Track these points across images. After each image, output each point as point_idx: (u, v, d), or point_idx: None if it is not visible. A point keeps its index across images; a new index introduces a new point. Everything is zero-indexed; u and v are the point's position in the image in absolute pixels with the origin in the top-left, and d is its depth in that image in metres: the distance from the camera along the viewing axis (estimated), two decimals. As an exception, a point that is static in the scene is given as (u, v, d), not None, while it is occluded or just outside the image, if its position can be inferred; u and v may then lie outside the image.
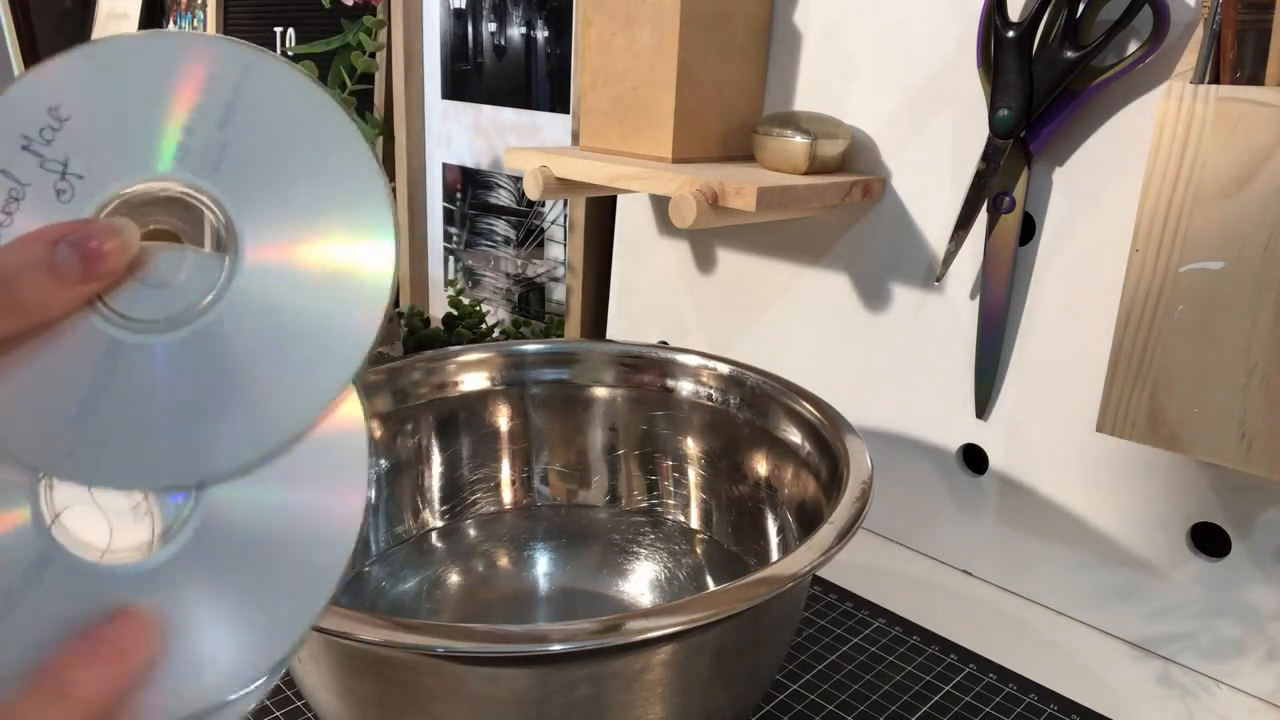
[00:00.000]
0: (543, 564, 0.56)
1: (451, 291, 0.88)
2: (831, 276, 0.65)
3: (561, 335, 0.85)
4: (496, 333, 0.88)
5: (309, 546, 0.26)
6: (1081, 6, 0.50)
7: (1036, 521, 0.57)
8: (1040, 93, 0.51)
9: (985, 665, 0.51)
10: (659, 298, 0.76)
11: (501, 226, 0.92)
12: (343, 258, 0.26)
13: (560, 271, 0.87)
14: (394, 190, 0.99)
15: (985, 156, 0.53)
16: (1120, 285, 0.45)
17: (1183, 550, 0.51)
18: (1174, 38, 0.48)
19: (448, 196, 0.96)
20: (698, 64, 0.60)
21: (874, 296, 0.63)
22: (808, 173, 0.59)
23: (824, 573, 0.59)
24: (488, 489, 0.58)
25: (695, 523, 0.56)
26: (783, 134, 0.59)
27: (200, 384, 0.25)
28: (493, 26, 0.87)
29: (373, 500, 0.54)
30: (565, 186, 0.63)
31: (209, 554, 0.25)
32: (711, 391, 0.55)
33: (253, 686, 0.25)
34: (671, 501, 0.57)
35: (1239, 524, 0.49)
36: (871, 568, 0.61)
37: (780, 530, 0.51)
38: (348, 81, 0.71)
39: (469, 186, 0.94)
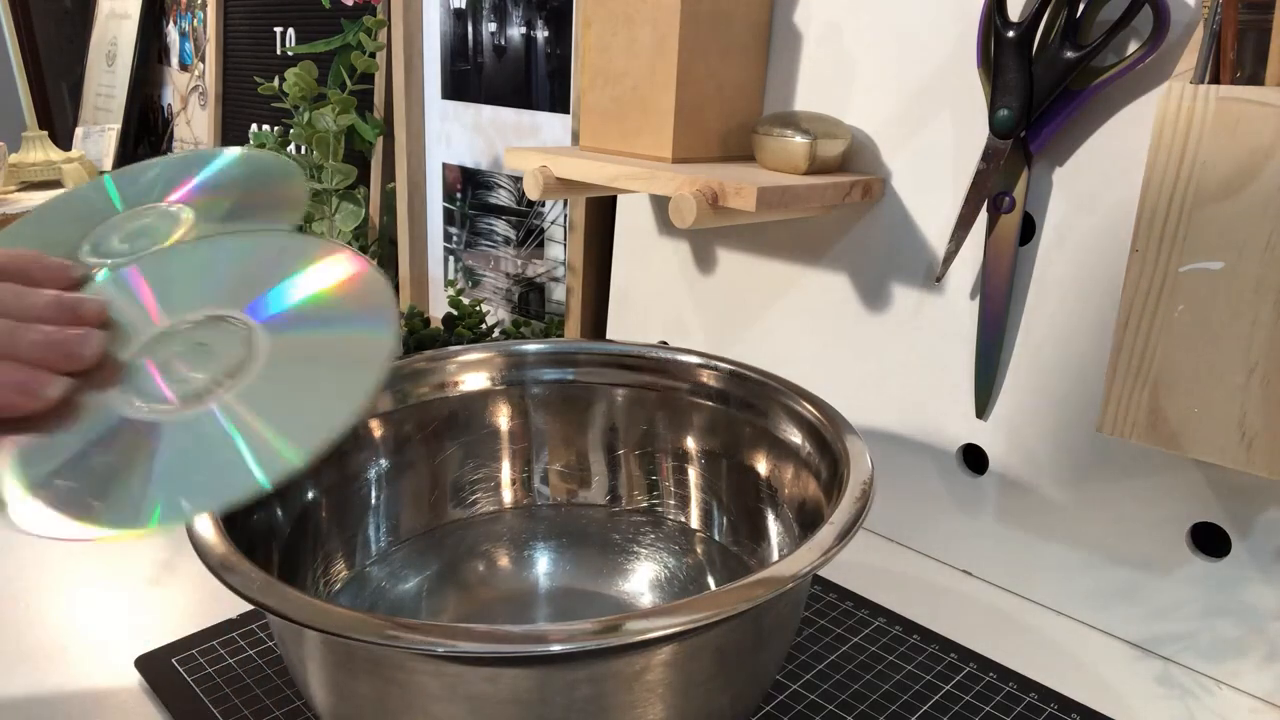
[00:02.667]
0: (543, 564, 0.56)
1: (451, 291, 0.88)
2: (831, 276, 0.65)
3: (561, 335, 0.85)
4: (496, 333, 0.88)
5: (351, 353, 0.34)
6: (1081, 6, 0.50)
7: (1036, 521, 0.57)
8: (1040, 93, 0.51)
9: (985, 664, 0.51)
10: (659, 298, 0.76)
11: (501, 226, 0.92)
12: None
13: (560, 271, 0.87)
14: (394, 190, 0.99)
15: (985, 156, 0.53)
16: (1120, 285, 0.45)
17: (1183, 550, 0.51)
18: (1174, 38, 0.48)
19: (448, 196, 0.96)
20: (698, 64, 0.60)
21: (874, 296, 0.63)
22: (808, 173, 0.59)
23: (824, 572, 0.59)
24: (488, 489, 0.58)
25: (695, 523, 0.56)
26: (783, 134, 0.59)
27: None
28: (493, 26, 0.87)
29: (382, 472, 0.54)
30: (565, 186, 0.63)
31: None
32: (711, 391, 0.55)
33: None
34: (671, 501, 0.57)
35: (1239, 524, 0.49)
36: (871, 568, 0.61)
37: (780, 530, 0.51)
38: (348, 81, 0.71)
39: (469, 186, 0.94)
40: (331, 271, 0.36)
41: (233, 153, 0.43)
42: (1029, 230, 0.55)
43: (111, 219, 0.39)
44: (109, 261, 0.37)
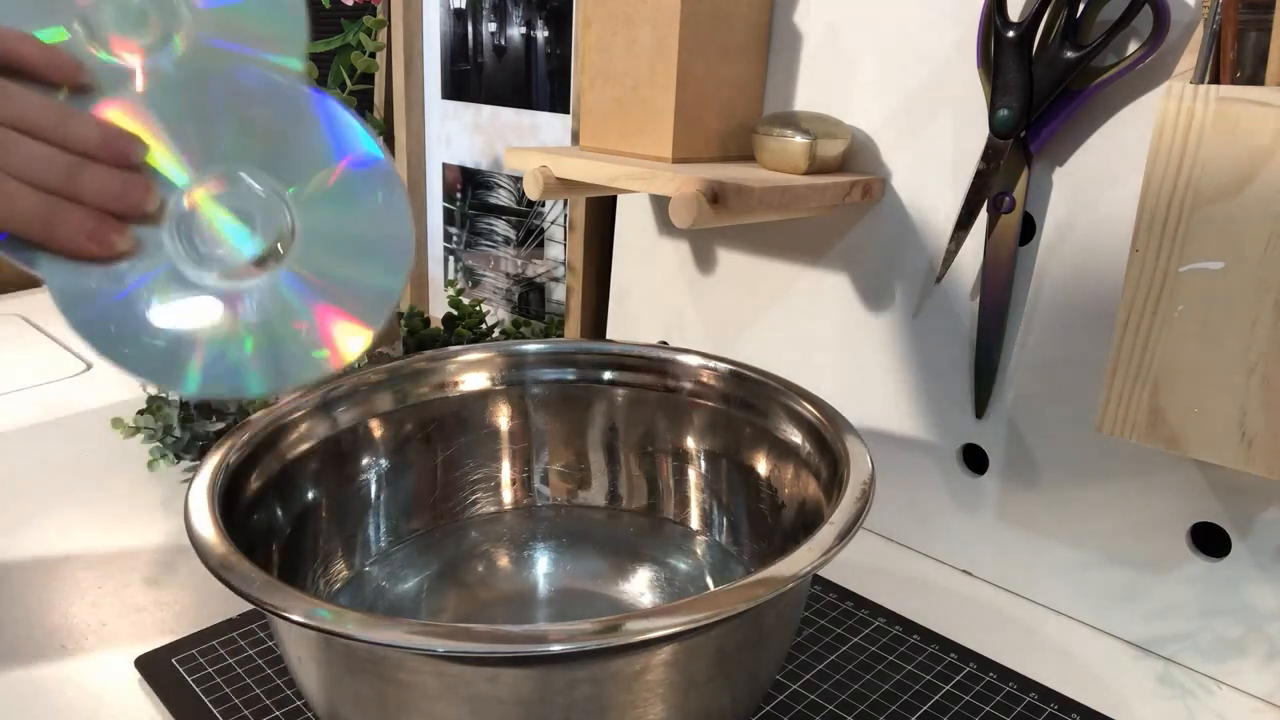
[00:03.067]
0: (543, 564, 0.56)
1: (451, 291, 0.88)
2: (831, 276, 0.65)
3: (561, 335, 0.85)
4: (496, 333, 0.88)
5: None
6: (1081, 6, 0.50)
7: (1036, 521, 0.57)
8: (1040, 93, 0.51)
9: (985, 664, 0.51)
10: (659, 298, 0.76)
11: (501, 226, 0.92)
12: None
13: (560, 271, 0.87)
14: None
15: (985, 156, 0.53)
16: (1120, 285, 0.45)
17: (1183, 550, 0.51)
18: (1174, 38, 0.48)
19: (448, 196, 0.96)
20: (698, 64, 0.60)
21: (874, 296, 0.63)
22: (808, 173, 0.59)
23: (824, 572, 0.59)
24: (488, 489, 0.58)
25: (695, 523, 0.56)
26: (783, 134, 0.59)
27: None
28: (493, 26, 0.87)
29: (382, 472, 0.54)
30: (565, 186, 0.63)
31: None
32: (711, 391, 0.55)
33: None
34: (671, 501, 0.57)
35: (1239, 524, 0.49)
36: (871, 568, 0.61)
37: (780, 530, 0.51)
38: (348, 81, 0.71)
39: (469, 186, 0.94)
40: (344, 142, 0.36)
41: None
42: (1029, 230, 0.55)
43: None
44: (107, 61, 0.35)
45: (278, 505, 0.46)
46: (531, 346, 0.58)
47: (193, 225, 0.34)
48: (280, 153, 0.35)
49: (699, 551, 0.55)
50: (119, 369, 0.33)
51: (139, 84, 0.35)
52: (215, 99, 0.35)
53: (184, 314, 0.33)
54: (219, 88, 0.36)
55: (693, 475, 0.56)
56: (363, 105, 0.97)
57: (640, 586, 0.55)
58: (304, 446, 0.49)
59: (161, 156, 0.34)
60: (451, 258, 0.98)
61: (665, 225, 0.74)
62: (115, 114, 0.34)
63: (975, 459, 0.60)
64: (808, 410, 0.49)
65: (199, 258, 0.34)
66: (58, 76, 0.34)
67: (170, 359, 0.33)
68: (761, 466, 0.52)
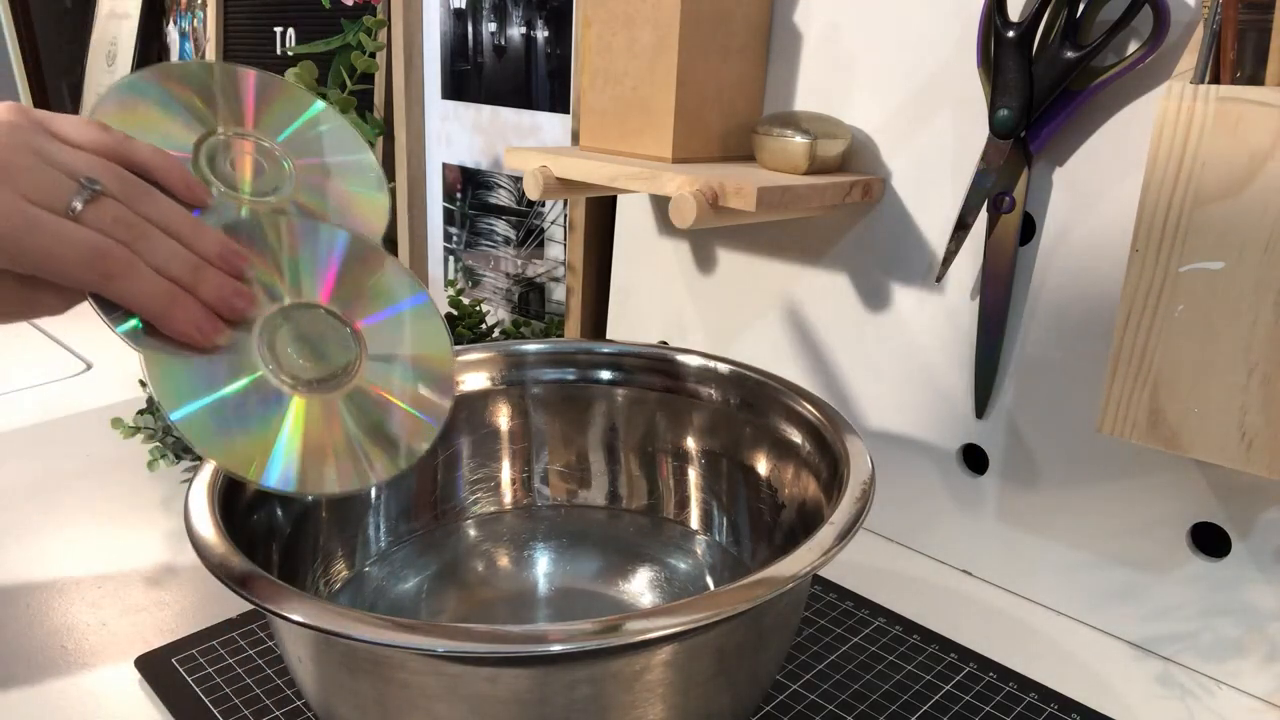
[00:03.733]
0: (543, 564, 0.56)
1: (451, 291, 0.88)
2: (831, 276, 0.65)
3: (561, 335, 0.85)
4: (496, 333, 0.88)
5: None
6: (1081, 6, 0.50)
7: (1036, 521, 0.57)
8: (1040, 93, 0.51)
9: (985, 664, 0.51)
10: (659, 298, 0.76)
11: (501, 226, 0.92)
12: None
13: (560, 271, 0.87)
14: (394, 190, 0.99)
15: (985, 156, 0.53)
16: (1120, 285, 0.45)
17: (1183, 550, 0.51)
18: (1174, 38, 0.48)
19: (448, 196, 0.96)
20: (698, 64, 0.60)
21: (874, 296, 0.63)
22: (808, 173, 0.59)
23: (824, 572, 0.59)
24: (488, 489, 0.58)
25: (695, 523, 0.56)
26: (783, 134, 0.59)
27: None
28: (493, 26, 0.87)
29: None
30: (565, 186, 0.63)
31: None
32: (711, 391, 0.55)
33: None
34: (671, 501, 0.57)
35: (1239, 524, 0.49)
36: (871, 568, 0.61)
37: (780, 530, 0.51)
38: (348, 81, 0.71)
39: (469, 186, 0.94)
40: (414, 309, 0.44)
41: (318, 105, 0.47)
42: (1029, 230, 0.55)
43: (223, 136, 0.44)
44: (226, 193, 0.43)
45: (278, 505, 0.46)
46: (531, 346, 0.58)
47: (278, 338, 0.40)
48: (353, 293, 0.42)
49: (699, 551, 0.55)
50: (209, 456, 0.37)
51: (243, 216, 0.42)
52: (308, 242, 0.43)
53: (269, 413, 0.38)
54: (303, 233, 0.43)
55: (693, 475, 0.56)
56: (363, 105, 0.97)
57: (640, 586, 0.55)
58: (304, 446, 0.49)
59: (263, 277, 0.40)
60: (451, 258, 0.98)
61: (665, 225, 0.74)
62: (227, 234, 0.40)
63: (975, 459, 0.60)
64: (808, 410, 0.49)
65: (281, 366, 0.39)
66: (190, 198, 0.40)
67: (256, 452, 0.37)
68: (761, 466, 0.52)
